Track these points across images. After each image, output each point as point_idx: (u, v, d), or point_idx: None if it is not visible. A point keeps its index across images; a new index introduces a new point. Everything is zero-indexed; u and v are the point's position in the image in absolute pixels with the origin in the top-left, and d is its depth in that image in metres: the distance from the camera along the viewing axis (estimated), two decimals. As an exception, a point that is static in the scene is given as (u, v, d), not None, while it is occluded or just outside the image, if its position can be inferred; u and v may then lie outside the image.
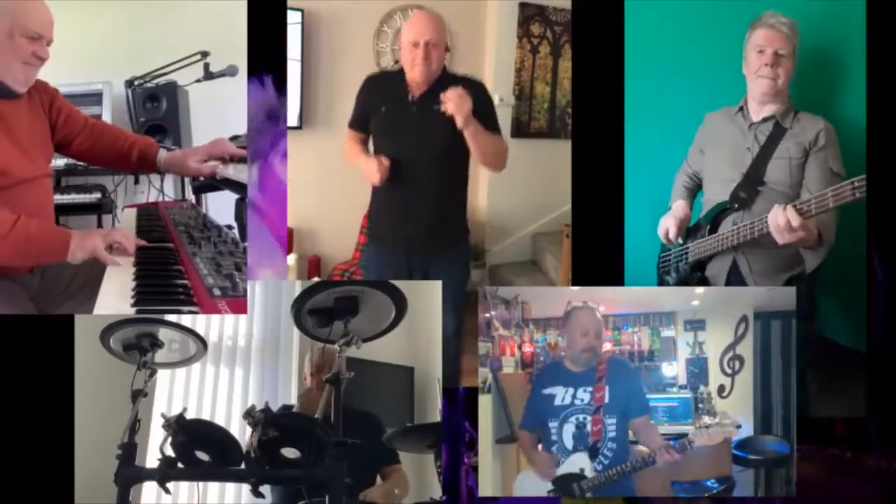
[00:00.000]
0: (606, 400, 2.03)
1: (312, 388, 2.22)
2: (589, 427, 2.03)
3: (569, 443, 2.04)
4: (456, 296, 2.35)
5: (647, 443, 2.04)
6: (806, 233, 1.90)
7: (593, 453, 2.02)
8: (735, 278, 2.19)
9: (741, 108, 2.23)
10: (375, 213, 2.48)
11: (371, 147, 2.46)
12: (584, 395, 2.05)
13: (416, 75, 2.33)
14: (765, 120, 2.17)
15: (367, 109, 2.44)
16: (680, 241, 2.30)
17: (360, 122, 2.47)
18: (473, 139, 2.28)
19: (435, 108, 2.28)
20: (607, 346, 2.19)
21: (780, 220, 1.90)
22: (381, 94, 2.42)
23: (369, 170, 2.33)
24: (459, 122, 2.23)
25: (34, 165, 2.05)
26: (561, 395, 2.06)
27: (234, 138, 2.55)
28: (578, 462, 2.02)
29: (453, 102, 2.21)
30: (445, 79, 2.36)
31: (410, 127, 2.35)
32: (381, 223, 2.47)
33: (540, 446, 2.08)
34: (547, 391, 2.08)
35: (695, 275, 2.27)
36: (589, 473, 2.00)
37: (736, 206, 2.16)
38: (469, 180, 2.51)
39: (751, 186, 2.14)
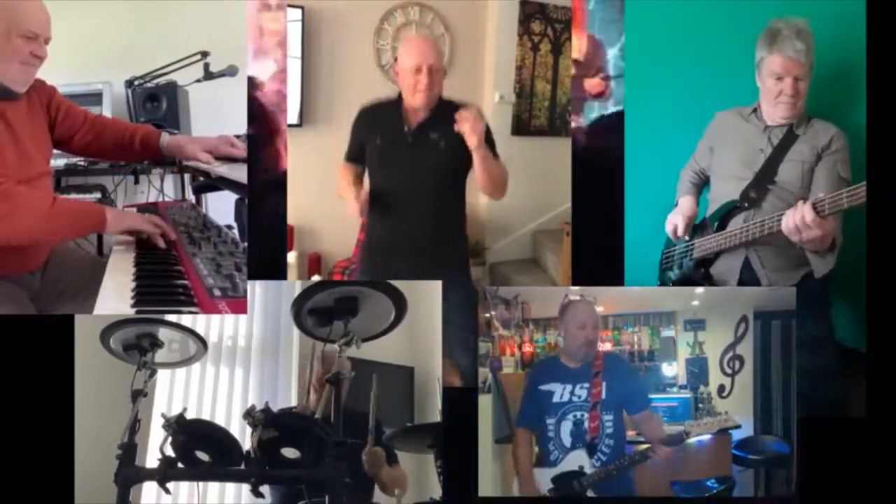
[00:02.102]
0: (603, 396, 2.03)
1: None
2: (586, 424, 2.03)
3: (567, 440, 2.04)
4: (465, 330, 2.22)
5: (650, 437, 2.04)
6: (822, 232, 1.89)
7: (591, 450, 2.02)
8: (748, 275, 2.19)
9: (755, 110, 2.23)
10: (369, 248, 2.45)
11: (367, 180, 2.43)
12: (581, 391, 2.04)
13: (418, 101, 2.29)
14: (780, 125, 2.18)
15: (363, 141, 2.41)
16: (686, 237, 2.30)
17: (356, 154, 2.43)
18: (483, 163, 2.23)
19: (432, 137, 2.28)
20: (607, 346, 2.19)
21: (796, 218, 1.89)
22: (377, 125, 2.38)
23: (349, 203, 2.29)
24: (473, 142, 2.17)
25: (35, 165, 2.05)
26: (559, 392, 2.06)
27: (234, 138, 2.55)
28: (577, 459, 2.02)
29: (469, 122, 2.16)
30: (442, 105, 2.33)
31: (406, 158, 2.32)
32: (375, 257, 2.42)
33: (536, 450, 2.07)
34: (545, 388, 2.07)
35: (698, 271, 2.27)
36: (588, 470, 2.00)
37: (746, 205, 2.17)
38: (466, 211, 2.47)
39: (761, 186, 2.15)
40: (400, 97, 2.37)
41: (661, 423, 2.08)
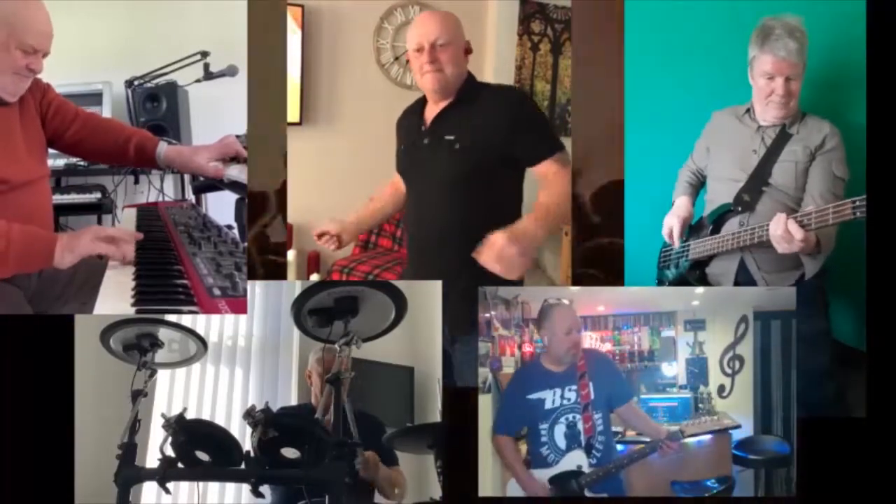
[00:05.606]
0: (592, 396, 2.02)
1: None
2: (580, 425, 2.02)
3: (561, 443, 2.02)
4: None
5: (642, 430, 2.04)
6: (807, 243, 1.89)
7: (588, 450, 2.01)
8: (743, 276, 2.19)
9: (748, 110, 2.22)
10: (413, 251, 2.23)
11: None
12: (570, 394, 2.03)
13: (427, 84, 1.98)
14: (772, 125, 2.17)
15: (397, 149, 2.21)
16: (682, 237, 2.30)
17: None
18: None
19: (447, 139, 1.95)
20: (608, 346, 2.20)
21: (780, 231, 1.90)
22: (403, 128, 2.18)
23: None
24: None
25: (30, 169, 2.03)
26: (550, 398, 2.04)
27: (234, 138, 2.54)
28: (575, 459, 2.01)
29: (500, 266, 1.72)
30: (473, 87, 2.02)
31: (421, 160, 2.04)
32: (419, 261, 2.18)
33: (524, 448, 2.06)
34: (534, 396, 2.05)
35: (694, 272, 2.27)
36: (586, 470, 2.00)
37: (739, 208, 2.16)
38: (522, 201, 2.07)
39: (755, 188, 2.14)
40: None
41: (645, 414, 2.08)
